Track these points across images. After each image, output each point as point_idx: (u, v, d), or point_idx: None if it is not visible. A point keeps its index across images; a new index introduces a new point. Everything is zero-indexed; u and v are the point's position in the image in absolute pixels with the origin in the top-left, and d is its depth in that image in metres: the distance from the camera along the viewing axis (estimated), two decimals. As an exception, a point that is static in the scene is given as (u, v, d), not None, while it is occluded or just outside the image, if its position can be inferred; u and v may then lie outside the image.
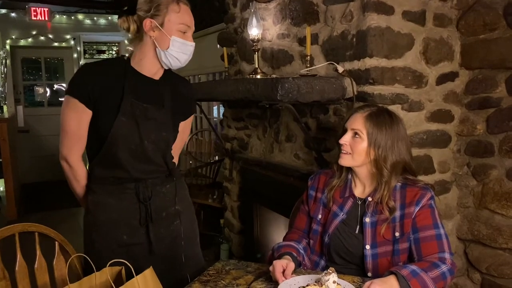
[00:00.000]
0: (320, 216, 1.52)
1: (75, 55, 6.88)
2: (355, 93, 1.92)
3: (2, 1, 6.10)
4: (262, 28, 2.31)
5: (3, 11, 6.33)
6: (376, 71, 1.84)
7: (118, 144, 1.43)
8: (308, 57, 2.08)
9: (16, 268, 1.37)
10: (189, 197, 1.68)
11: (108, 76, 1.44)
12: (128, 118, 1.43)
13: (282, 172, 2.47)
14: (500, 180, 1.90)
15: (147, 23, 1.41)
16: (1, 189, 5.35)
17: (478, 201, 1.99)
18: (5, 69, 6.22)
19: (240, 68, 2.92)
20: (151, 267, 1.24)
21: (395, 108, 1.84)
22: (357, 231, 1.44)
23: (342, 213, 1.47)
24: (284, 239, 1.58)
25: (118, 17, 1.49)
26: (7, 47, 6.35)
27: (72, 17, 6.81)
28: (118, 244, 1.48)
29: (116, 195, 1.48)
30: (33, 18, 6.41)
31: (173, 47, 1.43)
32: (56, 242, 1.48)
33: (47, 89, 7.06)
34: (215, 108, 5.14)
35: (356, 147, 1.41)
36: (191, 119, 1.69)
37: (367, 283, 1.18)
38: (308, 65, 2.08)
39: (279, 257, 1.38)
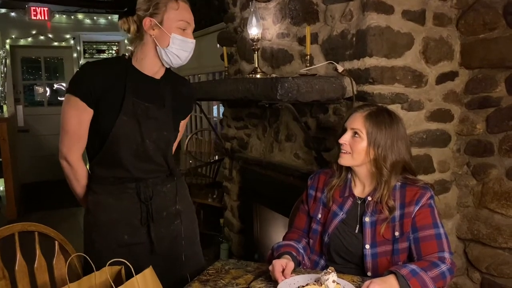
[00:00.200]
0: (319, 216, 1.52)
1: (75, 55, 6.88)
2: (355, 92, 1.92)
3: (2, 0, 6.10)
4: (261, 27, 2.31)
5: (3, 10, 6.33)
6: (376, 70, 1.84)
7: (119, 143, 1.43)
8: (308, 56, 2.08)
9: (16, 268, 1.37)
10: (189, 196, 1.68)
11: (109, 75, 1.44)
12: (129, 117, 1.43)
13: (282, 172, 2.47)
14: (499, 179, 1.90)
15: (146, 22, 1.42)
16: (1, 188, 5.35)
17: (477, 200, 1.99)
18: (5, 68, 6.22)
19: (240, 67, 2.92)
20: (150, 266, 1.24)
21: (395, 108, 1.84)
22: (356, 231, 1.44)
23: (341, 213, 1.47)
24: (283, 239, 1.58)
25: (119, 19, 1.50)
26: (7, 46, 6.35)
27: (72, 17, 6.81)
28: (118, 244, 1.47)
29: (117, 195, 1.48)
30: (33, 17, 6.41)
31: (173, 45, 1.44)
32: (56, 241, 1.48)
33: (47, 89, 7.05)
34: (215, 107, 5.14)
35: (356, 147, 1.42)
36: (188, 117, 1.71)
37: (367, 283, 1.19)
38: (308, 65, 2.08)
39: (279, 257, 1.38)
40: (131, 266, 1.16)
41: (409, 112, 1.92)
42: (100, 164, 1.48)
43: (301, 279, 1.26)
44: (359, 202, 1.47)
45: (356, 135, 1.42)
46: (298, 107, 2.10)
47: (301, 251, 1.47)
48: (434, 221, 1.37)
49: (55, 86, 7.14)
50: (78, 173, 1.52)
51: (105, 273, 1.22)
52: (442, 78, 1.98)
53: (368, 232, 1.41)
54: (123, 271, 1.27)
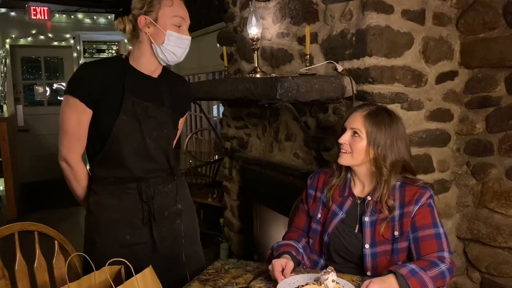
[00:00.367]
0: (319, 215, 1.52)
1: (74, 54, 6.88)
2: (355, 92, 1.92)
3: (1, 0, 6.10)
4: (261, 27, 2.31)
5: (3, 10, 6.33)
6: (376, 70, 1.84)
7: (120, 143, 1.43)
8: (308, 56, 2.08)
9: (16, 267, 1.37)
10: (190, 196, 1.68)
11: (107, 75, 1.44)
12: (129, 117, 1.43)
13: (281, 171, 2.47)
14: (499, 179, 1.90)
15: (141, 20, 1.42)
16: (1, 188, 5.35)
17: (477, 200, 1.99)
18: (5, 68, 6.22)
19: (240, 67, 2.92)
20: (150, 266, 1.24)
21: (395, 107, 1.84)
22: (356, 230, 1.44)
23: (341, 212, 1.47)
24: (283, 238, 1.58)
25: (114, 19, 1.50)
26: (7, 46, 6.35)
27: (72, 16, 6.81)
28: (120, 245, 1.47)
29: (117, 195, 1.48)
30: (33, 17, 6.41)
31: (169, 42, 1.44)
32: (56, 241, 1.48)
33: (47, 88, 7.06)
34: (214, 107, 5.14)
35: (356, 146, 1.42)
36: (186, 115, 1.71)
37: (366, 282, 1.19)
38: (308, 64, 2.08)
39: (278, 256, 1.38)
40: (130, 266, 1.15)
41: (408, 112, 1.92)
42: (101, 164, 1.47)
43: (301, 278, 1.27)
44: (359, 201, 1.47)
45: (356, 135, 1.42)
46: (298, 107, 2.10)
47: (301, 250, 1.47)
48: (433, 220, 1.37)
49: (55, 85, 7.15)
50: (78, 174, 1.51)
51: (105, 273, 1.22)
52: (442, 78, 1.98)
53: (368, 232, 1.41)
54: (122, 270, 1.27)
